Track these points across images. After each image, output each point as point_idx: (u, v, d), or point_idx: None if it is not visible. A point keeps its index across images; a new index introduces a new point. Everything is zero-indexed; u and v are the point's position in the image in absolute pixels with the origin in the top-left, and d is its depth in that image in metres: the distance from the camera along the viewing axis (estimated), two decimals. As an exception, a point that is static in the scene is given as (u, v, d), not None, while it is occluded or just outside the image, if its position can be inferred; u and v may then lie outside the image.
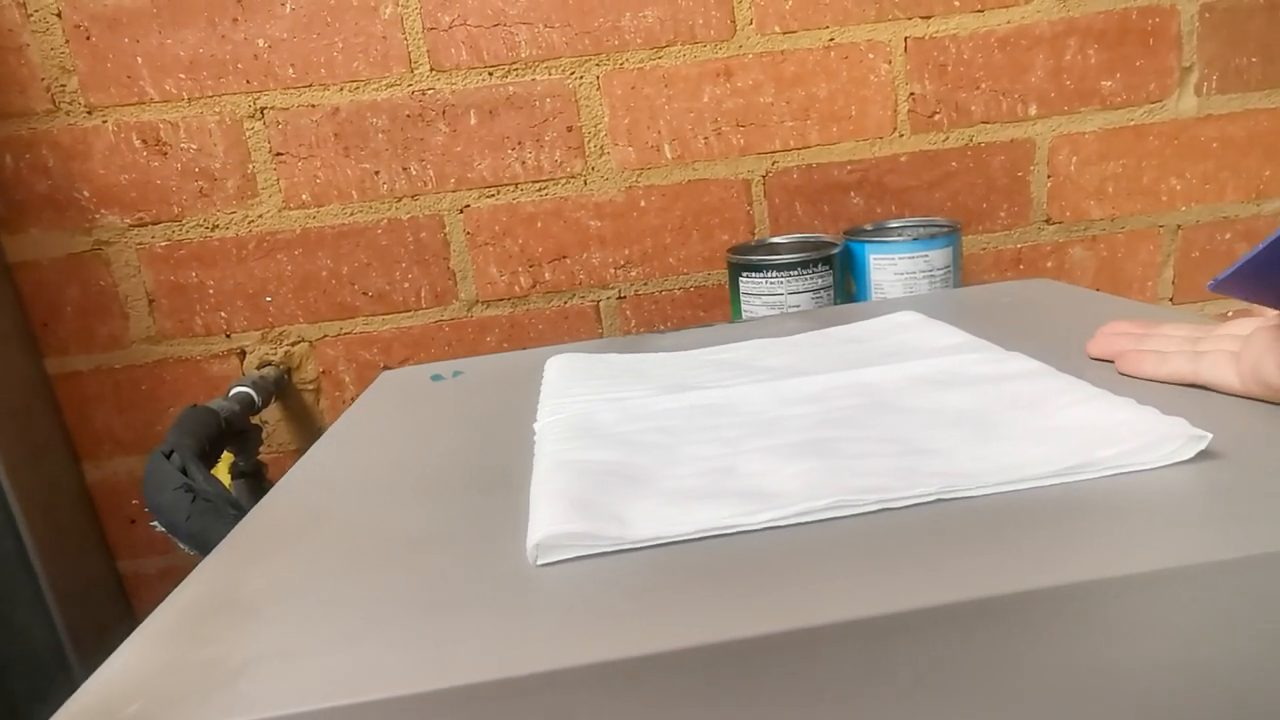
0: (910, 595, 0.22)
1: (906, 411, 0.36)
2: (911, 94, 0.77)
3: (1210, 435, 0.28)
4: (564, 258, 0.78)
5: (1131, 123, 0.79)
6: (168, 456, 0.60)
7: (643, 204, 0.77)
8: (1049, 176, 0.80)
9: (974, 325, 0.50)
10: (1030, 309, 0.55)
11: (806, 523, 0.27)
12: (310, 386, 0.78)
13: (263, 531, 0.33)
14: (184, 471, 0.60)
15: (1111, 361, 0.39)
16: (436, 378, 0.57)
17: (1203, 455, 0.28)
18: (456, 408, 0.49)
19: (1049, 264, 0.82)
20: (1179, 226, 0.82)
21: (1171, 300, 0.84)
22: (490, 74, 0.74)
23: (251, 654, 0.22)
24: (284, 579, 0.28)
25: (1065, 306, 0.54)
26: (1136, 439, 0.29)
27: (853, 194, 0.79)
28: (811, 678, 0.22)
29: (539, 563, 0.27)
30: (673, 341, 0.57)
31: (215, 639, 0.23)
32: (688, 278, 0.79)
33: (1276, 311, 0.31)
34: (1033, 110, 0.78)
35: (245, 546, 0.31)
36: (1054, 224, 0.81)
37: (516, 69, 0.74)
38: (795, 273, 0.69)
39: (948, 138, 0.78)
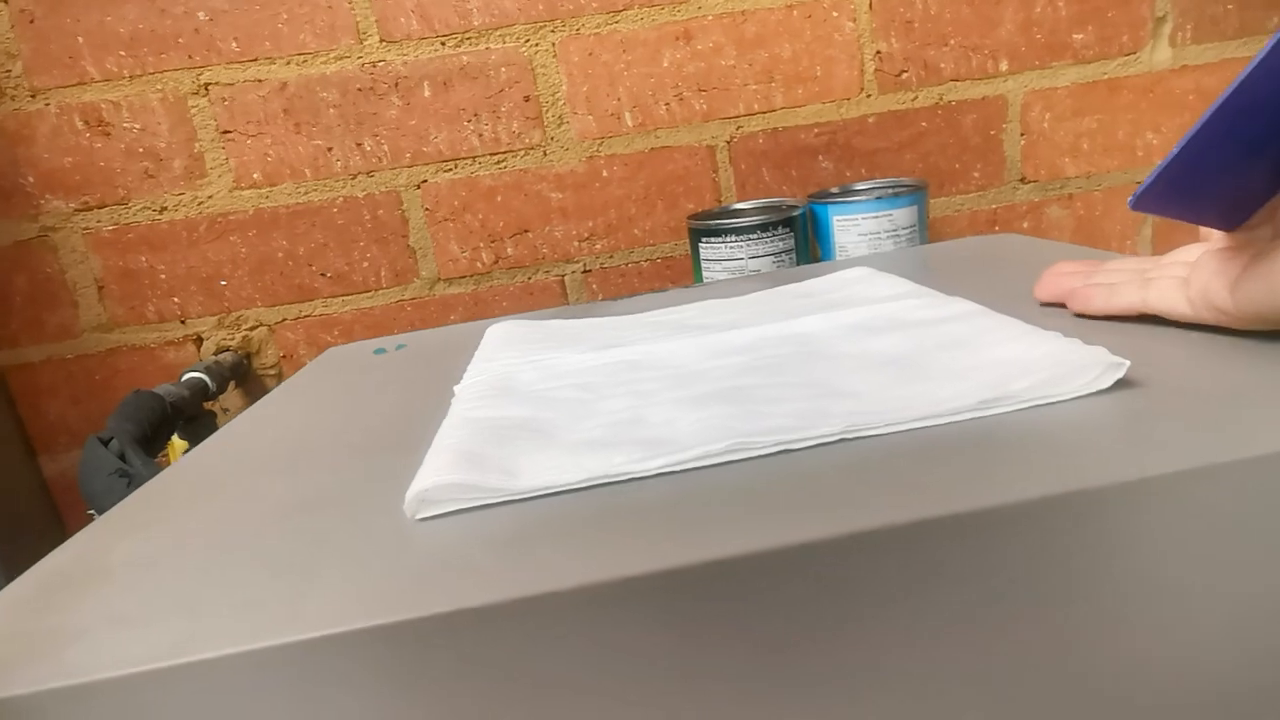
0: (798, 530, 0.20)
1: (834, 358, 0.34)
2: (878, 52, 0.75)
3: (1128, 363, 0.27)
4: (526, 232, 0.76)
5: (1105, 76, 0.77)
6: (106, 443, 0.59)
7: (605, 174, 0.75)
8: (1022, 134, 0.78)
9: (930, 279, 0.48)
10: (991, 262, 0.53)
11: (703, 467, 0.26)
12: (272, 371, 0.77)
13: (152, 501, 0.31)
14: (122, 457, 0.58)
15: (1063, 306, 0.37)
16: (379, 351, 0.56)
17: (1123, 384, 0.27)
18: (391, 378, 0.47)
19: (1025, 224, 0.80)
20: (1157, 182, 0.80)
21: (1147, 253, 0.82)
22: (443, 43, 0.72)
23: (92, 621, 0.21)
24: (153, 547, 0.26)
25: (1028, 258, 0.52)
26: (1052, 369, 0.27)
27: (821, 158, 0.77)
28: (682, 618, 0.20)
29: (417, 517, 0.25)
30: (625, 307, 0.55)
31: (63, 607, 0.22)
32: (654, 249, 0.77)
33: (1222, 233, 0.29)
34: (1004, 66, 0.76)
35: (126, 516, 0.29)
36: (1029, 183, 0.79)
37: (470, 37, 0.72)
38: (755, 236, 0.68)
39: (917, 97, 0.76)
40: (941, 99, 0.76)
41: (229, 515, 0.28)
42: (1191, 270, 0.30)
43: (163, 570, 0.24)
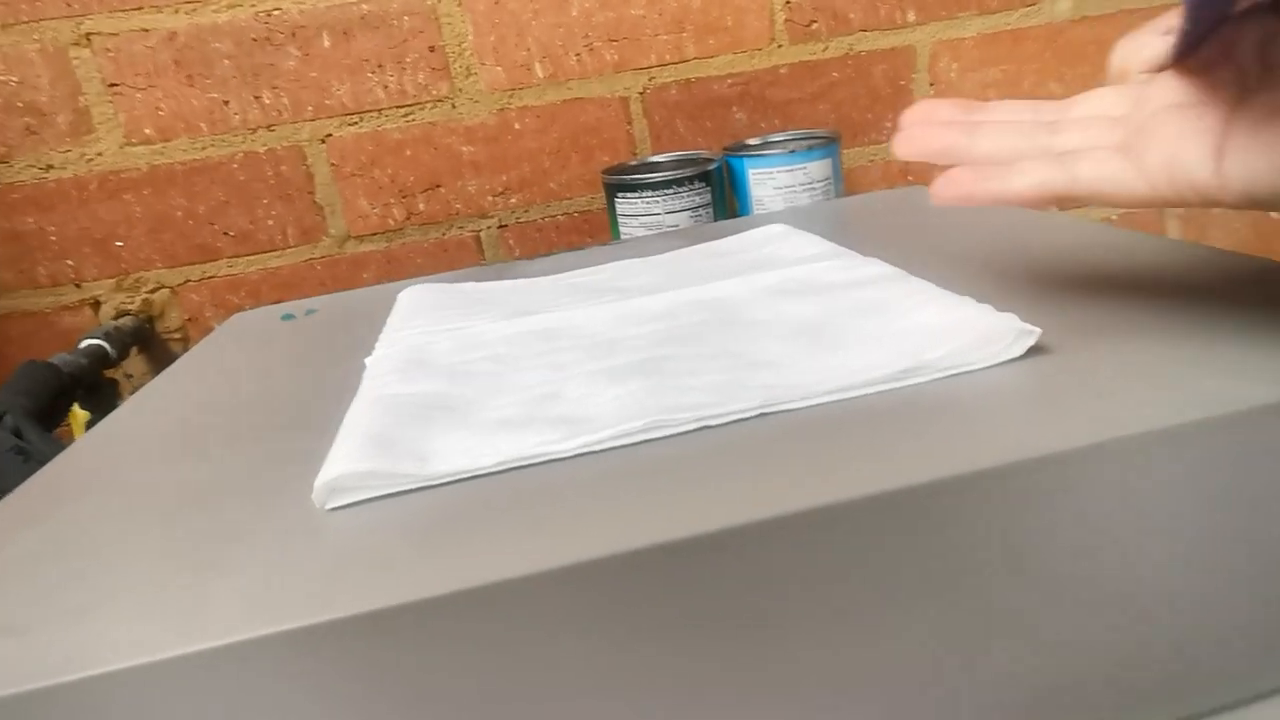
0: (712, 516, 0.21)
1: (750, 324, 0.35)
2: (787, 1, 0.75)
3: (1039, 331, 0.27)
4: (438, 187, 0.74)
5: (1009, 27, 0.78)
6: None
7: (517, 127, 0.74)
8: (931, 84, 0.79)
9: (844, 235, 0.48)
10: (902, 215, 0.54)
11: (621, 447, 0.26)
12: (176, 335, 0.74)
13: (47, 488, 0.30)
14: (17, 433, 0.56)
15: (937, 172, 0.28)
16: (287, 316, 0.54)
17: (1035, 350, 0.27)
18: (300, 347, 0.46)
19: (938, 173, 0.81)
20: (1059, 131, 0.82)
21: (1059, 208, 0.84)
22: (341, -10, 0.69)
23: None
24: (42, 542, 0.25)
25: (938, 211, 0.54)
26: (963, 338, 0.28)
27: (735, 109, 0.77)
28: (601, 609, 0.20)
29: (327, 507, 0.25)
30: (541, 267, 0.55)
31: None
32: (570, 202, 0.77)
33: (1180, 82, 0.23)
34: (911, 16, 0.77)
35: (18, 506, 0.28)
36: (937, 133, 0.80)
37: (370, -16, 0.69)
38: (671, 191, 0.67)
39: (827, 47, 0.76)
40: (851, 49, 0.77)
41: (127, 505, 0.27)
42: (1138, 134, 0.24)
43: (52, 570, 0.23)
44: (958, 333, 0.29)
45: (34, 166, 0.68)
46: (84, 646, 0.19)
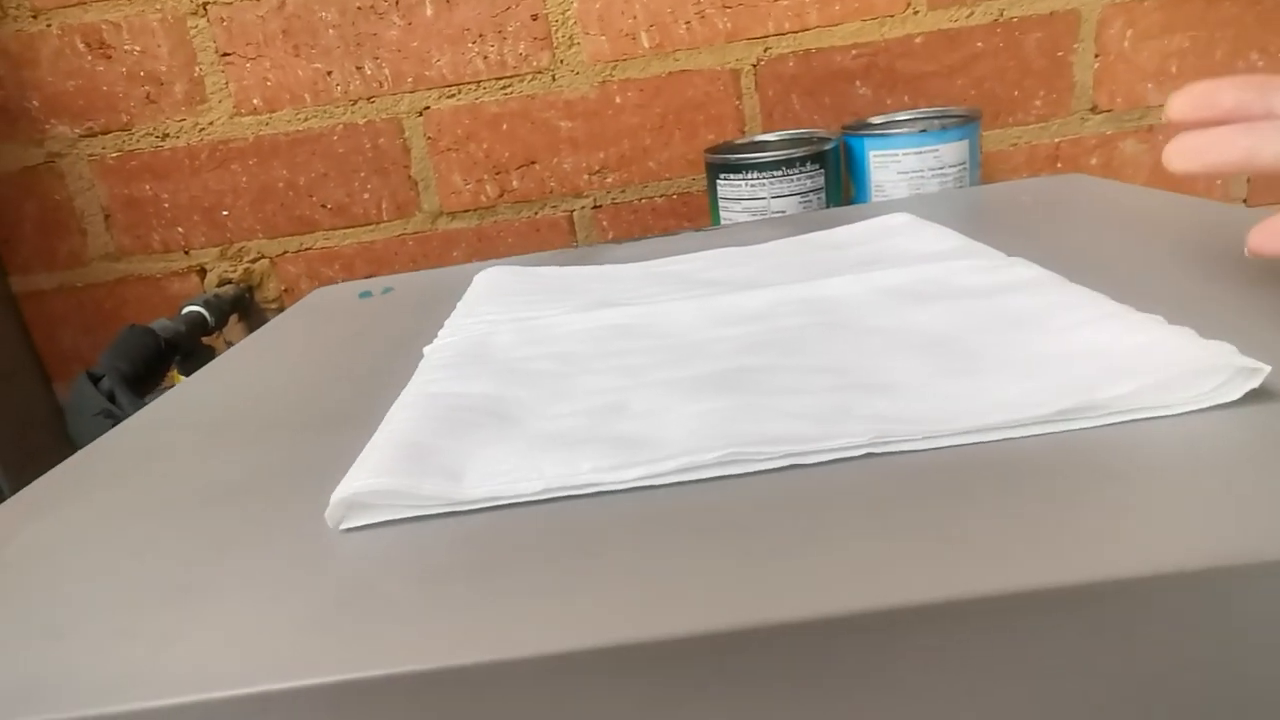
0: (794, 599, 0.15)
1: (865, 333, 0.28)
2: (928, -40, 0.66)
3: (1268, 368, 0.20)
4: (533, 163, 0.71)
5: (1202, -15, 0.66)
6: (97, 381, 0.58)
7: (618, 101, 0.70)
8: (1096, 56, 0.68)
9: (984, 230, 0.40)
10: (1057, 210, 0.45)
11: (687, 482, 0.21)
12: (274, 305, 0.75)
13: (70, 478, 0.29)
14: (111, 397, 0.57)
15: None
16: (365, 294, 0.53)
17: (1259, 395, 0.20)
18: (368, 328, 0.44)
19: (1093, 160, 0.70)
20: (1258, 112, 0.69)
21: (1246, 201, 0.71)
22: (444, -44, 0.67)
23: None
24: (37, 543, 0.24)
25: (1101, 206, 0.45)
26: (1158, 372, 0.21)
27: (859, 83, 0.69)
28: (628, 703, 0.16)
29: (342, 527, 0.21)
30: (629, 252, 0.50)
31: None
32: (670, 183, 0.71)
33: None
34: (1077, -25, 0.66)
35: (35, 497, 0.27)
36: (1101, 113, 0.69)
37: (473, -51, 0.66)
38: (779, 173, 0.61)
39: (972, 13, 0.67)
40: (1001, 15, 0.67)
41: (137, 504, 0.25)
42: None
43: (38, 580, 0.21)
44: (1147, 364, 0.21)
45: (152, 135, 0.70)
46: (34, 685, 0.17)
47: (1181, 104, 0.24)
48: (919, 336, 0.27)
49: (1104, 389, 0.21)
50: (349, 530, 0.21)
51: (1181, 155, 0.24)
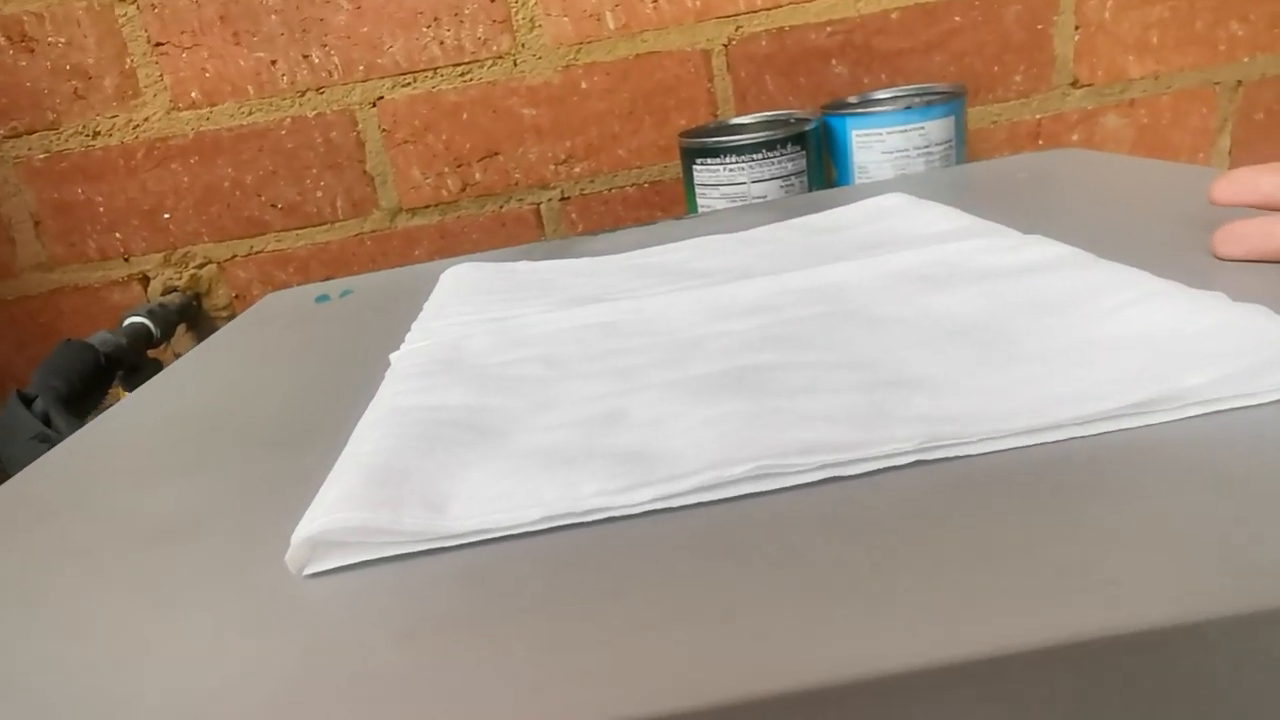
0: (848, 654, 0.13)
1: (884, 323, 0.26)
2: (903, -69, 0.63)
3: None
4: (496, 155, 0.67)
5: (1181, -47, 0.64)
6: (29, 402, 0.53)
7: (584, 86, 0.66)
8: (1076, 28, 0.66)
9: (981, 208, 0.38)
10: (1054, 185, 0.43)
11: (710, 502, 0.18)
12: (224, 313, 0.70)
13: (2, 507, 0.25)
14: (46, 419, 0.52)
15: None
16: (322, 298, 0.49)
17: None
18: (326, 335, 0.40)
19: (1075, 136, 0.68)
20: (1239, 82, 0.67)
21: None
22: (393, -65, 0.62)
23: None
24: None
25: (1099, 180, 0.42)
26: (1242, 356, 0.18)
27: (834, 62, 0.66)
28: None
29: (305, 573, 0.18)
30: (605, 244, 0.47)
31: None
32: (641, 171, 0.68)
33: None
34: (1056, -56, 0.64)
35: None
36: (1082, 87, 0.67)
37: (424, -73, 0.62)
38: (758, 156, 0.58)
39: (949, -15, 0.64)
40: (979, -13, 0.65)
41: (68, 546, 0.22)
42: None
43: None
44: (1225, 346, 0.19)
45: (81, 133, 0.65)
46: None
47: (1224, 189, 0.28)
48: (945, 324, 0.24)
49: (1179, 377, 0.18)
50: (314, 575, 0.18)
51: (1224, 242, 0.27)
